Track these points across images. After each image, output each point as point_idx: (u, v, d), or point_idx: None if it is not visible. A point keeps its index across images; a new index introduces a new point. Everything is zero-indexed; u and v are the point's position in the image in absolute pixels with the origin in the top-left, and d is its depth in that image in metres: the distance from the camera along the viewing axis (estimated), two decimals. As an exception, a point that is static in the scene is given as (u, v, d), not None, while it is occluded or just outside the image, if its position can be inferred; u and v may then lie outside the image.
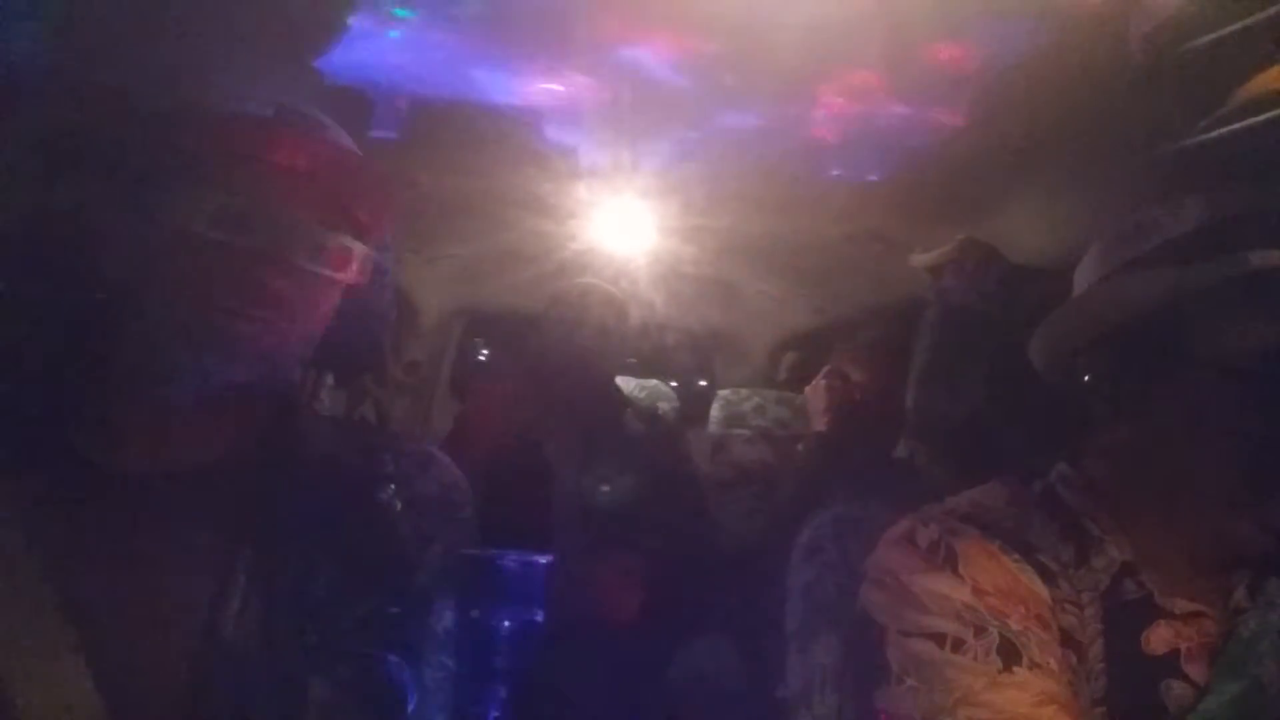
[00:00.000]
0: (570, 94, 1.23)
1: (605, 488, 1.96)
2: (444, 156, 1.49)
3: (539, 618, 1.10)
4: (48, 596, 0.82)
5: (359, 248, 0.99)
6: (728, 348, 3.11)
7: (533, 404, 2.06)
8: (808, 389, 2.09)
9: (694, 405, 2.68)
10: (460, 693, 1.09)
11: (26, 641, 0.81)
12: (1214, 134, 1.03)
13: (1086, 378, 0.98)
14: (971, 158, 1.34)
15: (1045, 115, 1.18)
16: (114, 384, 0.93)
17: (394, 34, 1.08)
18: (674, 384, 2.65)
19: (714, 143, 1.39)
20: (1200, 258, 0.89)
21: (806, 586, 1.26)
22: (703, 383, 3.37)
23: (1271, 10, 0.86)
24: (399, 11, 1.04)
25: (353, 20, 1.04)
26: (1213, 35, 0.90)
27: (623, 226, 1.87)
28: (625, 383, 2.31)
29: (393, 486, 1.03)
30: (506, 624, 1.08)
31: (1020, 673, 0.84)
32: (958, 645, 0.86)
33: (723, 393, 2.51)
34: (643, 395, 2.35)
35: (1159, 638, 0.90)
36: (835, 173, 1.47)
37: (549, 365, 2.07)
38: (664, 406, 2.36)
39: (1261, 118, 0.97)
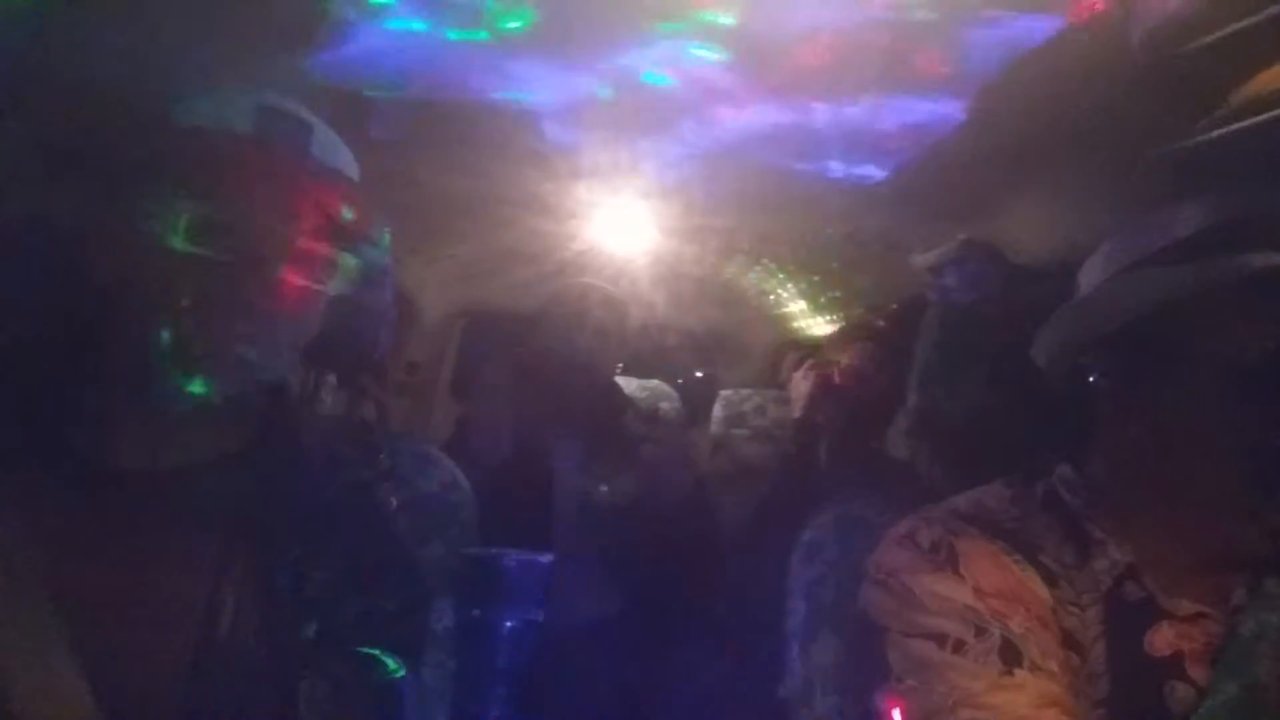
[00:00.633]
0: (570, 94, 1.23)
1: (605, 488, 1.96)
2: (444, 156, 1.49)
3: (539, 617, 1.10)
4: (45, 595, 0.82)
5: (344, 256, 0.98)
6: (728, 348, 3.11)
7: (533, 404, 2.06)
8: (789, 383, 2.08)
9: (694, 398, 2.67)
10: (460, 692, 1.09)
11: (24, 640, 0.80)
12: (1214, 134, 1.02)
13: (1090, 378, 0.98)
14: (971, 158, 1.34)
15: (1045, 115, 1.18)
16: (112, 384, 0.93)
17: (395, 35, 1.08)
18: (680, 380, 2.64)
19: (714, 143, 1.39)
20: (1204, 259, 0.89)
21: (807, 585, 1.26)
22: (699, 374, 3.36)
23: (1271, 10, 0.85)
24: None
25: (348, 17, 1.04)
26: (1213, 35, 0.90)
27: (623, 226, 1.87)
28: (626, 383, 2.31)
29: (391, 486, 1.02)
30: (508, 624, 1.08)
31: (1021, 674, 0.84)
32: (958, 646, 0.86)
33: (723, 393, 2.51)
34: (644, 395, 2.35)
35: (1162, 639, 0.90)
36: (835, 173, 1.47)
37: (549, 365, 2.07)
38: (665, 406, 2.35)
39: (1262, 117, 0.97)
